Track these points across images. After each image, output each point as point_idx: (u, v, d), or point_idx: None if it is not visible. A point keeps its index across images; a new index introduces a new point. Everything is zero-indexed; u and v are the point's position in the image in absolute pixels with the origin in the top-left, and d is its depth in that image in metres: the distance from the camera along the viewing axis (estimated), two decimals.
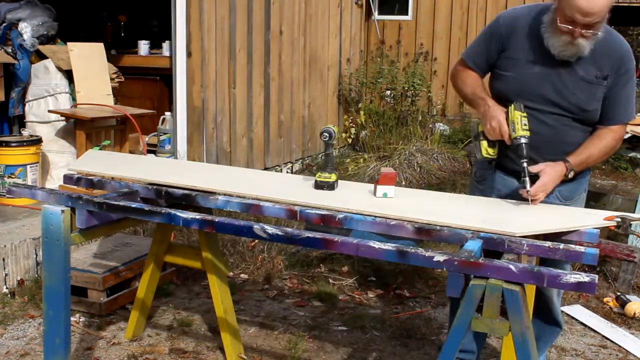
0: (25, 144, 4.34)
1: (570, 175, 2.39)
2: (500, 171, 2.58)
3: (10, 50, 4.65)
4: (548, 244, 2.02)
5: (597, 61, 2.36)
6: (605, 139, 2.44)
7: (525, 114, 2.35)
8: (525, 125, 2.34)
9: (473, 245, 1.97)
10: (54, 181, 4.66)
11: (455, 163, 7.32)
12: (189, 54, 5.39)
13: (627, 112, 2.45)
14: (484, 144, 2.45)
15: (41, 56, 4.82)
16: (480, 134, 2.46)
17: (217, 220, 2.17)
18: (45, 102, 4.76)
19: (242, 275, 4.04)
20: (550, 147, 2.42)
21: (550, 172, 2.33)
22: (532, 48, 2.41)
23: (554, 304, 2.75)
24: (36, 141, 4.41)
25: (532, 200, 2.31)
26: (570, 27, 2.23)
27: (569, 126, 2.43)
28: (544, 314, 2.74)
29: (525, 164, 2.30)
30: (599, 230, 2.17)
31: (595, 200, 5.28)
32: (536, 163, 2.37)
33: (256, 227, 2.10)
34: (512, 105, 2.38)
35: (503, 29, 2.49)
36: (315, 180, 2.53)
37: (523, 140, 2.32)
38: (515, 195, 2.43)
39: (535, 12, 2.44)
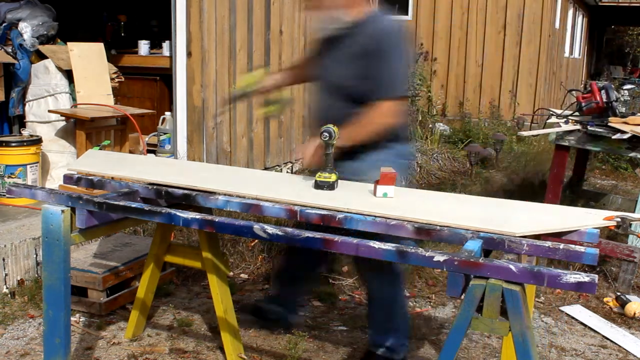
0: (25, 144, 4.34)
1: (334, 142, 2.53)
2: None
3: (10, 50, 4.65)
4: (548, 244, 2.02)
5: (354, 42, 2.64)
6: (368, 115, 2.63)
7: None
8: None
9: (473, 245, 1.97)
10: (54, 181, 4.66)
11: (455, 163, 7.32)
12: (189, 54, 5.39)
13: (387, 88, 2.61)
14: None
15: (41, 56, 4.82)
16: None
17: (217, 220, 2.17)
18: (45, 102, 4.76)
19: (242, 275, 4.04)
20: (323, 119, 2.66)
21: (307, 149, 2.68)
22: (318, 40, 2.89)
23: (373, 282, 2.93)
24: (36, 141, 4.41)
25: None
26: (307, 3, 2.75)
27: (335, 101, 2.72)
28: (370, 292, 2.98)
29: None
30: (599, 230, 2.17)
31: (595, 200, 5.28)
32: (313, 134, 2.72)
33: (256, 227, 2.10)
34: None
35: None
36: (315, 180, 2.53)
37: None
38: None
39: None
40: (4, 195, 4.15)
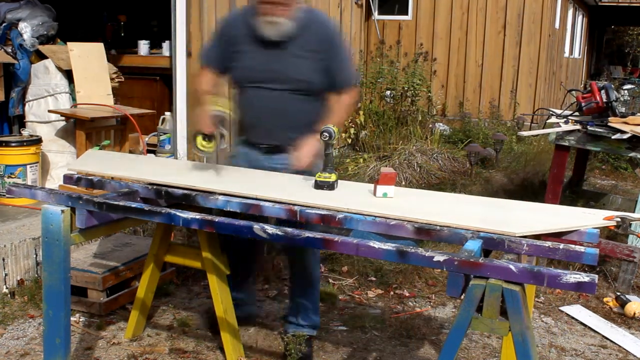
0: (25, 143, 4.34)
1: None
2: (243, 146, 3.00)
3: (10, 50, 4.65)
4: (548, 244, 2.02)
5: (306, 38, 2.76)
6: (338, 106, 2.84)
7: (219, 105, 2.81)
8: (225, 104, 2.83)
9: (473, 245, 1.97)
10: (54, 181, 4.66)
11: (455, 163, 7.32)
12: (189, 54, 5.39)
13: (344, 78, 2.86)
14: (199, 139, 2.81)
15: (41, 56, 4.82)
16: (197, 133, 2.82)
17: (217, 220, 2.17)
18: (45, 102, 4.76)
19: None
20: (277, 118, 2.81)
21: (306, 151, 2.71)
22: (250, 39, 2.80)
23: (305, 261, 3.08)
24: (36, 141, 4.41)
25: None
26: (266, 7, 2.67)
27: (290, 97, 2.80)
28: (300, 274, 3.14)
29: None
30: (599, 230, 2.17)
31: (595, 200, 5.28)
32: (272, 137, 2.86)
33: (256, 227, 2.10)
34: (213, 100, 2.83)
35: (226, 28, 2.94)
36: (315, 180, 2.53)
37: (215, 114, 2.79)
38: (259, 166, 2.88)
39: (248, 10, 2.87)
40: (4, 195, 4.15)
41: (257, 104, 2.85)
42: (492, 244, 2.05)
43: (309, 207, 2.31)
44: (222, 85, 3.07)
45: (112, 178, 2.79)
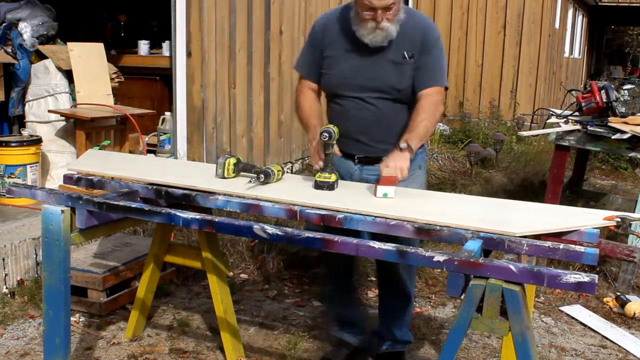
0: (25, 144, 4.34)
1: (412, 146, 2.53)
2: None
3: (10, 50, 4.65)
4: (548, 244, 2.02)
5: (404, 42, 2.57)
6: (425, 107, 2.59)
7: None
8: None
9: (473, 245, 1.97)
10: (54, 181, 4.66)
11: (455, 163, 7.32)
12: (189, 54, 5.39)
13: (436, 76, 2.63)
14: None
15: (41, 56, 4.82)
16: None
17: (217, 220, 2.17)
18: (45, 102, 4.76)
19: (242, 275, 4.04)
20: (377, 128, 2.65)
21: (392, 159, 2.50)
22: (346, 44, 2.62)
23: (402, 277, 2.90)
24: (36, 141, 4.41)
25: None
26: (371, 13, 2.45)
27: (390, 107, 2.64)
28: (394, 289, 2.96)
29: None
30: (599, 230, 2.17)
31: (595, 200, 5.28)
32: (370, 147, 2.68)
33: (256, 227, 2.10)
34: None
35: (318, 33, 2.72)
36: (315, 181, 2.53)
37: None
38: (354, 177, 2.72)
39: (343, 12, 2.67)
40: (4, 195, 4.15)
41: (351, 113, 2.66)
42: (492, 244, 2.05)
43: (309, 207, 2.31)
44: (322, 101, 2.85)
45: (112, 178, 2.78)
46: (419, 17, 2.68)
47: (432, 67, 2.62)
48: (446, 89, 2.71)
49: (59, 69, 4.76)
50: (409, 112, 2.64)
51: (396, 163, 2.47)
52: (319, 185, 2.51)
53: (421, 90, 2.61)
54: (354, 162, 2.74)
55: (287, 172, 2.86)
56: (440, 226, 2.14)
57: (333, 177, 2.52)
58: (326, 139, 2.49)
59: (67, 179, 2.81)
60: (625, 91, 4.67)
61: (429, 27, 2.64)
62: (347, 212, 2.25)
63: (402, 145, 2.50)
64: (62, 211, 2.35)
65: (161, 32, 6.59)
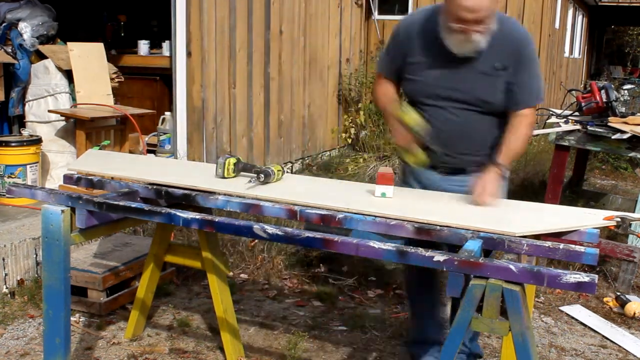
0: (25, 143, 4.34)
1: (507, 175, 2.49)
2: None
3: (10, 50, 4.65)
4: (548, 244, 2.02)
5: (495, 53, 2.43)
6: (521, 128, 2.51)
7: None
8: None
9: (473, 245, 1.97)
10: (54, 181, 4.66)
11: None
12: (189, 54, 5.39)
13: (532, 95, 2.52)
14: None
15: (41, 56, 4.82)
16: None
17: (217, 220, 2.17)
18: (45, 102, 4.76)
19: (242, 275, 4.04)
20: (461, 140, 2.53)
21: (488, 187, 2.39)
22: (432, 50, 2.49)
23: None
24: (36, 141, 4.41)
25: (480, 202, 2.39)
26: (461, 26, 2.31)
27: (476, 119, 2.52)
28: None
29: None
30: (599, 230, 2.17)
31: (595, 200, 5.28)
32: (453, 158, 2.57)
33: (256, 227, 2.10)
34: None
35: (402, 36, 2.59)
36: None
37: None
38: (434, 187, 2.62)
39: (429, 15, 2.52)
40: (4, 195, 4.15)
41: (436, 123, 2.53)
42: (492, 244, 2.05)
43: (309, 207, 2.31)
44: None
45: (112, 178, 2.78)
46: (510, 25, 2.50)
47: (530, 86, 2.50)
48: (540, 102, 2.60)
49: (59, 69, 4.76)
50: (494, 125, 2.54)
51: (486, 186, 2.38)
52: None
53: (518, 110, 2.49)
54: (436, 172, 2.63)
55: (287, 172, 2.86)
56: (440, 226, 2.14)
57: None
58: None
59: (67, 179, 2.81)
60: (625, 91, 4.68)
61: (524, 39, 2.49)
62: (348, 212, 2.25)
63: (496, 167, 2.43)
64: (62, 211, 2.35)
65: (161, 32, 6.59)
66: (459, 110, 2.51)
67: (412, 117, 2.49)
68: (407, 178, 2.75)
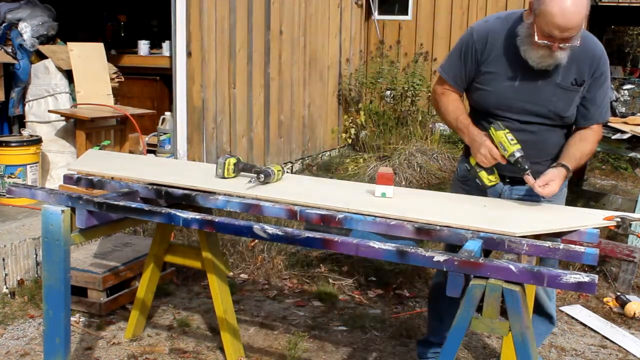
0: (25, 144, 4.34)
1: (569, 176, 2.41)
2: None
3: (10, 50, 4.65)
4: (548, 244, 2.02)
5: (573, 67, 2.38)
6: (590, 141, 2.47)
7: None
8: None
9: (473, 245, 1.97)
10: (54, 181, 4.66)
11: (455, 163, 7.31)
12: (189, 54, 5.39)
13: (603, 112, 2.49)
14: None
15: (41, 56, 4.82)
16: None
17: (217, 220, 2.17)
18: (45, 102, 4.77)
19: (242, 275, 4.04)
20: (533, 153, 2.42)
21: (556, 177, 2.33)
22: (508, 60, 2.41)
23: (543, 299, 2.74)
24: (36, 141, 4.41)
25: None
26: (549, 43, 2.24)
27: (549, 132, 2.47)
28: (534, 312, 2.72)
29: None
30: (599, 230, 2.17)
31: (595, 200, 5.28)
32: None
33: (256, 227, 2.10)
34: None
35: (478, 44, 2.47)
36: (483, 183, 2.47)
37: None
38: (498, 195, 2.53)
39: (508, 23, 2.43)
40: (4, 195, 4.14)
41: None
42: (492, 244, 2.05)
43: (309, 207, 2.31)
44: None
45: (112, 178, 2.78)
46: (590, 40, 2.43)
47: (603, 103, 2.46)
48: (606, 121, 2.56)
49: (59, 69, 4.76)
50: (564, 137, 2.50)
51: (551, 180, 2.31)
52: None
53: (585, 126, 2.47)
54: (503, 181, 2.54)
55: (287, 172, 2.86)
56: (440, 226, 2.14)
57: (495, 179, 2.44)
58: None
59: (67, 179, 2.81)
60: (625, 91, 4.68)
61: (600, 54, 2.42)
62: (348, 212, 2.25)
63: (563, 168, 2.35)
64: (62, 211, 2.35)
65: (161, 32, 6.59)
66: (533, 124, 2.45)
67: (508, 139, 2.34)
68: (467, 181, 2.63)
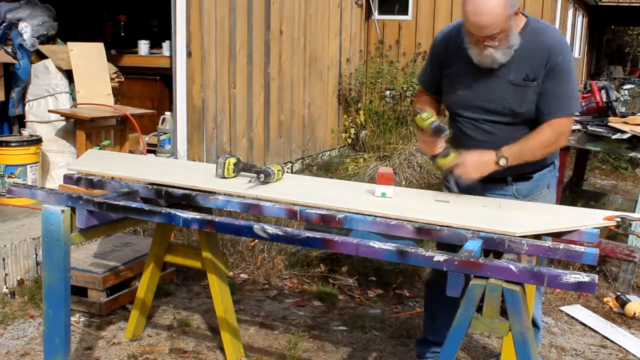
0: (25, 143, 4.34)
1: (502, 163, 2.39)
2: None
3: (10, 50, 4.65)
4: (548, 243, 2.02)
5: (524, 63, 2.41)
6: (544, 133, 2.44)
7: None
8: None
9: (473, 245, 1.97)
10: (54, 181, 4.66)
11: None
12: (189, 54, 5.39)
13: (564, 105, 2.44)
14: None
15: (41, 56, 4.82)
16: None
17: (217, 220, 2.17)
18: (45, 102, 4.77)
19: (242, 275, 4.04)
20: (492, 150, 2.43)
21: (470, 158, 2.41)
22: (464, 62, 2.47)
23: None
24: (36, 141, 4.41)
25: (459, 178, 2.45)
26: (472, 40, 2.35)
27: (510, 129, 2.48)
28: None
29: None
30: (599, 230, 2.17)
31: (595, 200, 5.28)
32: None
33: (256, 227, 2.10)
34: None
35: (439, 48, 2.61)
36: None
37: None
38: (471, 189, 2.54)
39: (460, 26, 2.48)
40: (4, 195, 4.14)
41: (468, 134, 2.55)
42: (492, 244, 2.05)
43: (309, 207, 2.31)
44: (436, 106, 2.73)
45: (112, 178, 2.78)
46: (547, 34, 2.45)
47: (558, 95, 2.42)
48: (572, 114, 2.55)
49: (59, 69, 4.76)
50: (525, 135, 2.49)
51: (467, 160, 2.40)
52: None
53: (546, 120, 2.44)
54: (482, 180, 2.53)
55: (287, 172, 2.86)
56: (440, 226, 2.14)
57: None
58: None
59: (67, 178, 2.81)
60: (625, 91, 4.68)
61: (555, 48, 2.41)
62: (348, 212, 2.25)
63: (493, 152, 2.40)
64: (62, 211, 2.35)
65: (161, 32, 6.59)
66: (490, 122, 2.50)
67: (423, 117, 2.47)
68: (448, 178, 2.66)
